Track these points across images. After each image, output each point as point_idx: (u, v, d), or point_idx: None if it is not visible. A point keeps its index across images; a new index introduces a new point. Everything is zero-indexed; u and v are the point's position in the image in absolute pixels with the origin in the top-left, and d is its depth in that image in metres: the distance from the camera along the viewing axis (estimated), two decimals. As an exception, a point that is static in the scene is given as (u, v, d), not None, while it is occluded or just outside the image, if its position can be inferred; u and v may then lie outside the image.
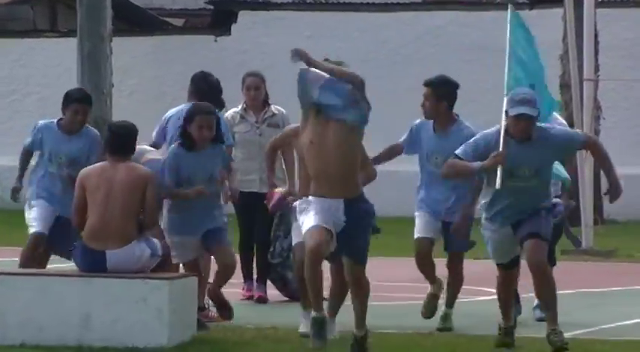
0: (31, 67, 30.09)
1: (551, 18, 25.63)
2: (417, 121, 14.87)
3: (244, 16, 32.27)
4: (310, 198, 12.51)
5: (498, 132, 10.90)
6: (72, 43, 31.59)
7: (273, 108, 19.83)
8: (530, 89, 10.73)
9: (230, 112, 18.81)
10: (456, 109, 15.01)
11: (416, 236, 14.48)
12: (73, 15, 32.85)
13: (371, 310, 12.82)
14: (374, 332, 13.18)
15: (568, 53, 23.66)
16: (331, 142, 11.54)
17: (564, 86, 25.26)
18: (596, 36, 23.85)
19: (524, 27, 12.22)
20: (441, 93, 14.43)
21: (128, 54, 30.88)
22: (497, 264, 12.16)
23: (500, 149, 10.44)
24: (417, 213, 14.73)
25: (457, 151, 11.61)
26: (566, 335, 13.46)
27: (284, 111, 19.78)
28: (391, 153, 15.28)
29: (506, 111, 9.99)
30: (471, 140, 11.73)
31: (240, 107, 19.33)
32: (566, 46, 24.48)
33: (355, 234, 11.56)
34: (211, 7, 36.79)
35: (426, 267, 14.41)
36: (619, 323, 16.70)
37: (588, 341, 14.94)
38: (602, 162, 11.96)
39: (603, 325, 16.40)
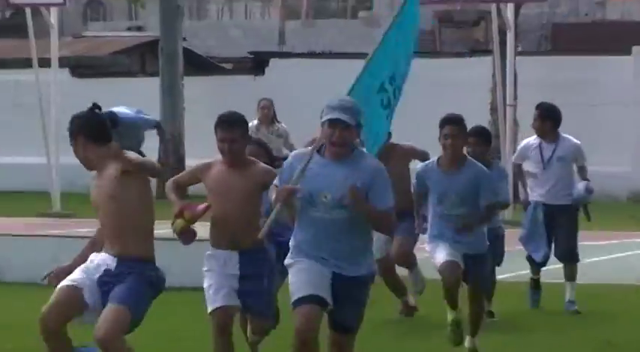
0: (126, 98, 30.23)
1: (485, 62, 25.62)
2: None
3: (274, 62, 32.15)
4: None
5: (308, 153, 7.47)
6: (156, 80, 31.76)
7: (280, 124, 20.69)
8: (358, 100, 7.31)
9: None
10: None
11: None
12: (157, 61, 33.42)
13: None
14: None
15: (496, 86, 23.93)
16: None
17: (493, 110, 25.19)
18: (515, 74, 23.86)
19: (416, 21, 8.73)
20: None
21: (194, 88, 30.83)
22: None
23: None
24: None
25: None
26: None
27: (286, 127, 20.75)
28: None
29: (323, 120, 7.05)
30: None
31: (255, 122, 19.43)
32: (494, 82, 24.24)
33: None
34: (251, 56, 37.19)
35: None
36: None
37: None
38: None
39: None
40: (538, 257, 13.16)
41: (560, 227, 12.93)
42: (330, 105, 7.03)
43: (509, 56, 24.10)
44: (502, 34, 24.43)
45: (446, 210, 10.24)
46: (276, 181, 7.54)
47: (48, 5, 25.22)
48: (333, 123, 6.96)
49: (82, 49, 37.61)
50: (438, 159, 10.36)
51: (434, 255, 10.50)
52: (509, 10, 24.32)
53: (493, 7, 24.45)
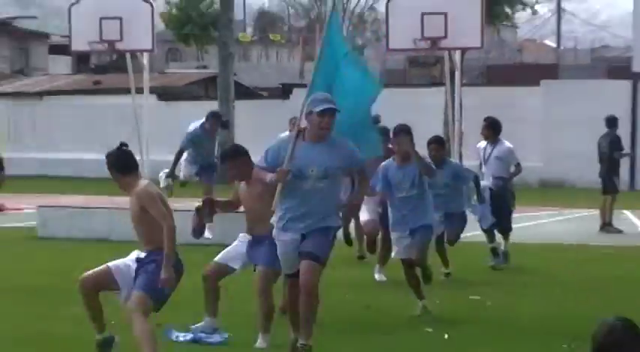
0: (194, 116, 30.09)
1: (440, 92, 25.05)
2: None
3: (296, 91, 32.16)
4: None
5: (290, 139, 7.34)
6: (215, 103, 31.45)
7: None
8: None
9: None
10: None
11: None
12: (216, 89, 33.49)
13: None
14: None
15: (447, 109, 23.79)
16: None
17: (445, 124, 24.79)
18: (460, 100, 23.63)
19: (340, 35, 8.57)
20: None
21: (241, 108, 30.87)
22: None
23: (286, 161, 6.95)
24: None
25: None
26: None
27: None
28: None
29: (310, 112, 6.88)
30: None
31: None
32: (446, 105, 24.08)
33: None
34: (280, 86, 37.39)
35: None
36: None
37: None
38: (362, 189, 8.13)
39: None
40: (487, 225, 13.07)
41: (497, 203, 12.92)
42: (316, 99, 6.98)
43: (457, 87, 23.65)
44: (452, 72, 24.38)
45: (401, 194, 9.95)
46: (259, 161, 7.49)
47: (141, 51, 25.46)
48: (324, 112, 6.87)
49: (165, 81, 37.81)
50: (393, 158, 10.14)
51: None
52: (457, 55, 24.36)
53: (446, 53, 24.66)
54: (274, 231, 7.23)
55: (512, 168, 13.28)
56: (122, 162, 7.70)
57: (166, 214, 7.22)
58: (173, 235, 7.09)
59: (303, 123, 7.31)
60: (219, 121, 16.23)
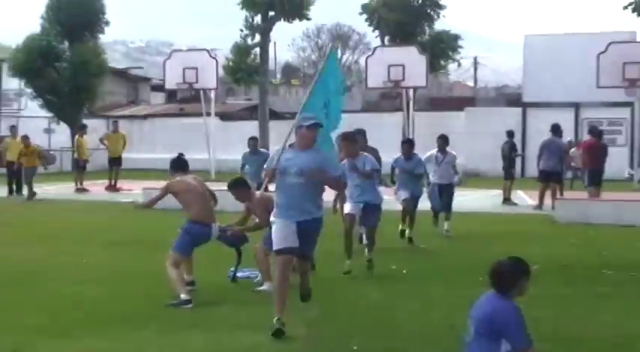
0: (245, 133, 29.98)
1: (400, 116, 25.28)
2: None
3: None
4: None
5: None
6: (256, 123, 31.61)
7: None
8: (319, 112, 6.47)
9: None
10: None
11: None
12: (257, 114, 33.36)
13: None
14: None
15: (405, 126, 23.79)
16: None
17: (403, 135, 22.99)
18: (413, 121, 23.67)
19: (337, 67, 7.57)
20: None
21: (274, 127, 30.59)
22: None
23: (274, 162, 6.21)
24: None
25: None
26: None
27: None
28: None
29: (300, 126, 6.16)
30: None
31: None
32: (404, 124, 23.54)
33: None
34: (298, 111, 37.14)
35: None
36: None
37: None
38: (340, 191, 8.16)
39: None
40: (437, 207, 12.60)
41: (445, 194, 12.39)
42: (305, 117, 6.23)
43: (411, 112, 24.14)
44: (408, 102, 24.45)
45: (354, 181, 8.91)
46: (265, 165, 6.77)
47: (209, 89, 25.68)
48: (309, 127, 6.13)
49: (224, 108, 37.05)
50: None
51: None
52: (410, 91, 24.43)
53: (404, 90, 24.70)
54: (272, 217, 6.28)
55: (455, 170, 12.57)
56: (174, 164, 7.99)
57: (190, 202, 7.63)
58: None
59: (292, 139, 6.41)
60: (251, 142, 13.65)
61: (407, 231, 11.48)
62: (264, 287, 7.66)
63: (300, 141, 6.19)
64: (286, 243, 6.02)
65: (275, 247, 6.09)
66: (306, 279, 6.58)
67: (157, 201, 7.97)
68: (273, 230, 6.18)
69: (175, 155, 8.02)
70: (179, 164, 8.02)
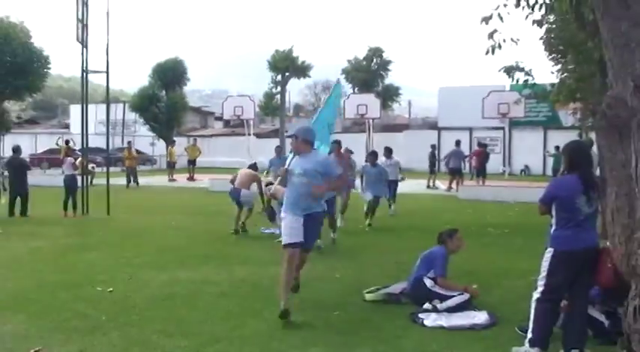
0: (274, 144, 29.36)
1: (364, 136, 23.86)
2: None
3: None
4: None
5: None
6: (276, 140, 29.14)
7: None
8: (314, 129, 4.85)
9: None
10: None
11: None
12: (278, 134, 32.18)
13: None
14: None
15: (367, 143, 22.73)
16: None
17: (367, 149, 20.90)
18: (372, 139, 22.65)
19: (339, 97, 6.52)
20: None
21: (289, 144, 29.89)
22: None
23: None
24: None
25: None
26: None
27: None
28: None
29: (295, 136, 4.65)
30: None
31: None
32: (366, 142, 22.31)
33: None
34: None
35: None
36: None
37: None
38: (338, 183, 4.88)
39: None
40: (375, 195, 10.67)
41: (392, 186, 10.73)
42: (300, 129, 4.62)
43: (371, 134, 23.34)
44: (369, 127, 23.67)
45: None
46: (283, 167, 4.74)
47: (250, 119, 25.37)
48: (299, 139, 4.53)
49: (258, 130, 36.10)
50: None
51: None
52: (371, 120, 23.79)
53: (367, 120, 24.13)
54: (281, 213, 4.57)
55: (399, 172, 11.35)
56: (252, 166, 9.11)
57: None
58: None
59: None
60: (277, 150, 11.95)
61: (368, 221, 9.22)
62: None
63: (295, 148, 4.61)
64: (294, 238, 4.36)
65: (283, 242, 4.40)
66: (299, 272, 4.71)
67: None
68: (282, 225, 4.49)
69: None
70: (254, 166, 9.22)
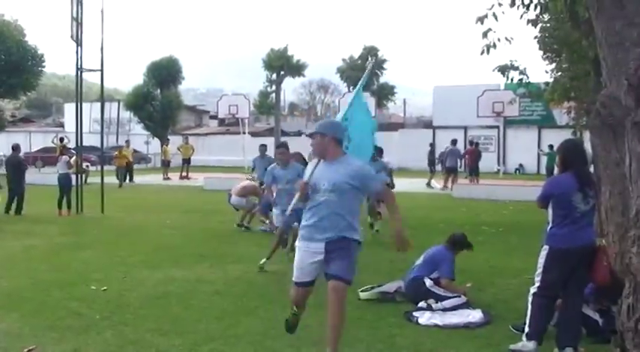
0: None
1: None
2: None
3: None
4: None
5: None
6: (271, 139, 29.01)
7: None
8: (336, 121, 3.40)
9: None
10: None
11: None
12: (273, 133, 31.83)
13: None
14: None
15: None
16: None
17: None
18: None
19: (363, 101, 3.88)
20: None
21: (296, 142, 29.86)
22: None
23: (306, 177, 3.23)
24: None
25: None
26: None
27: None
28: None
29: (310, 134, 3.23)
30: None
31: None
32: None
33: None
34: (298, 131, 34.35)
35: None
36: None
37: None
38: (391, 210, 3.42)
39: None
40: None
41: None
42: (320, 124, 3.30)
43: None
44: None
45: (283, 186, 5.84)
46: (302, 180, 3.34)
47: (245, 117, 25.44)
48: (310, 134, 3.26)
49: (253, 129, 35.83)
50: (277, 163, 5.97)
51: None
52: None
53: None
54: (296, 242, 3.33)
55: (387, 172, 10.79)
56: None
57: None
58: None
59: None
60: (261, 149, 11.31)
61: (376, 227, 7.95)
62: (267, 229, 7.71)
63: (318, 151, 3.27)
64: (303, 277, 3.26)
65: (293, 277, 3.31)
66: (335, 332, 3.11)
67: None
68: (296, 257, 3.29)
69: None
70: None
